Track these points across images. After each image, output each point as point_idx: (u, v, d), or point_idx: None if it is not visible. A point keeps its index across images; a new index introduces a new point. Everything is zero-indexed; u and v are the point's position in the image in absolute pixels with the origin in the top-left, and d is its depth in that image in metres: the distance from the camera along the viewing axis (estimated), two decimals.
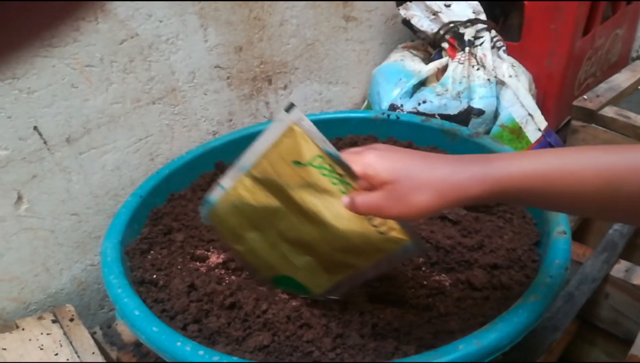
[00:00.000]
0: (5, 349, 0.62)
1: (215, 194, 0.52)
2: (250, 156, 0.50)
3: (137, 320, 0.45)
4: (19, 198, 0.62)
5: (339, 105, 1.03)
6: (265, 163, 0.48)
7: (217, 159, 0.77)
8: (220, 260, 0.59)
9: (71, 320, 0.67)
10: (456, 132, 0.74)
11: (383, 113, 0.81)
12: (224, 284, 0.54)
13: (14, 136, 0.59)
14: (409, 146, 0.76)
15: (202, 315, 0.51)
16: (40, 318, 0.67)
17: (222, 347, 0.47)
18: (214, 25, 0.74)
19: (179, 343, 0.42)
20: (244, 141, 0.80)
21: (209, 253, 0.61)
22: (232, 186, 0.50)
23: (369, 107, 0.99)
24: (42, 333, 0.64)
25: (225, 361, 0.40)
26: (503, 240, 0.56)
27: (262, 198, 0.49)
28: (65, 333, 0.65)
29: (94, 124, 0.66)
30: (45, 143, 0.62)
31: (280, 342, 0.47)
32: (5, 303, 0.66)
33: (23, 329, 0.65)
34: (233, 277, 0.56)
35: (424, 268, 0.55)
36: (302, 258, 0.50)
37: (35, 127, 0.61)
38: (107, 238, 0.56)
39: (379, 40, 1.06)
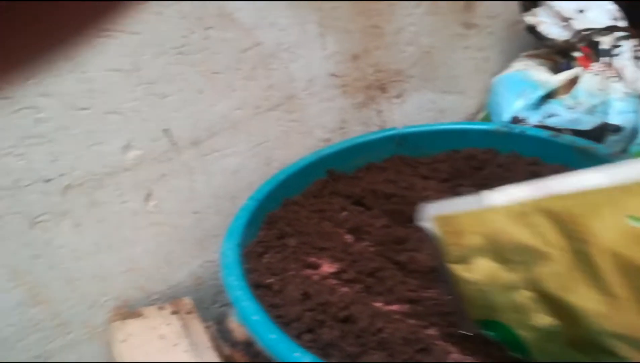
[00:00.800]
0: (130, 335, 0.66)
1: (466, 203, 0.43)
2: (558, 186, 0.38)
3: (256, 325, 0.45)
4: (149, 194, 0.66)
5: (453, 115, 0.99)
6: (575, 203, 0.36)
7: (329, 166, 0.77)
8: (332, 270, 0.58)
9: (189, 313, 0.70)
10: (591, 150, 0.67)
11: (505, 126, 0.76)
12: (336, 295, 0.53)
13: (147, 138, 0.63)
14: (535, 163, 0.71)
15: (316, 325, 0.50)
16: (160, 308, 0.71)
17: (336, 360, 0.46)
18: (332, 34, 0.75)
19: (297, 354, 0.41)
20: (355, 149, 0.80)
21: (321, 261, 0.60)
22: (502, 205, 0.40)
23: (486, 118, 0.94)
24: (162, 324, 0.68)
25: None
26: None
27: (537, 233, 0.37)
28: (183, 325, 0.68)
29: (218, 128, 0.69)
30: (173, 144, 0.66)
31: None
32: (131, 292, 0.70)
33: (146, 317, 0.70)
34: (346, 289, 0.55)
35: None
36: (545, 318, 0.38)
37: (165, 130, 0.65)
38: (228, 239, 0.58)
39: (499, 47, 1.00)
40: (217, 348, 0.68)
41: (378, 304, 0.53)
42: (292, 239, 0.64)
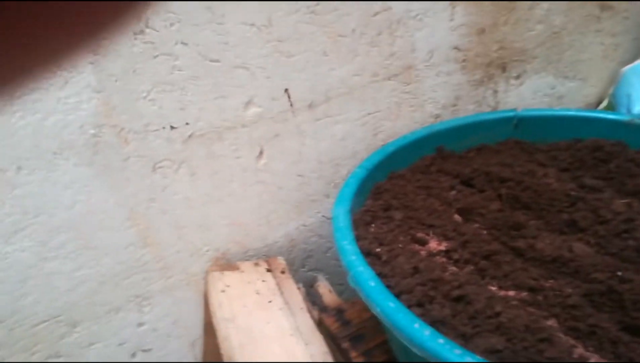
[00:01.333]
0: (228, 286, 0.69)
1: None
2: None
3: (372, 291, 0.45)
4: (261, 152, 0.67)
5: (570, 103, 0.92)
6: None
7: (438, 143, 0.74)
8: (442, 247, 0.57)
9: (282, 272, 0.72)
10: None
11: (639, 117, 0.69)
12: (448, 273, 0.52)
13: (268, 96, 0.64)
14: None
15: (425, 300, 0.49)
16: (256, 264, 0.73)
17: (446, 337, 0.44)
18: (463, 5, 0.71)
19: (416, 325, 0.41)
20: (468, 128, 0.76)
21: (429, 238, 0.59)
22: None
23: (608, 106, 0.86)
24: (259, 279, 0.69)
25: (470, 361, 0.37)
26: None
27: None
28: (277, 284, 0.69)
29: (334, 93, 0.68)
30: (291, 105, 0.66)
31: (516, 350, 0.42)
32: (230, 245, 0.73)
33: (243, 271, 0.72)
34: (455, 268, 0.54)
35: None
36: None
37: (286, 90, 0.65)
38: (339, 203, 0.58)
39: (633, 34, 0.91)
40: (309, 310, 0.69)
41: (492, 288, 0.50)
42: (398, 212, 0.63)
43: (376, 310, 0.44)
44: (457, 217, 0.63)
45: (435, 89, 0.76)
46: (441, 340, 0.39)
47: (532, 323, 0.44)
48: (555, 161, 0.71)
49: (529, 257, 0.54)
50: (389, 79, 0.71)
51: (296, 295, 0.67)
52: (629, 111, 0.79)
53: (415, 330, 0.40)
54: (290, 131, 0.68)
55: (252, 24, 0.59)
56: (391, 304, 0.43)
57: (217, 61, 0.59)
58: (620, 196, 0.62)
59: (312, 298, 0.73)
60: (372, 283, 0.45)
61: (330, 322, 0.65)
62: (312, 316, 0.69)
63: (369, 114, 0.73)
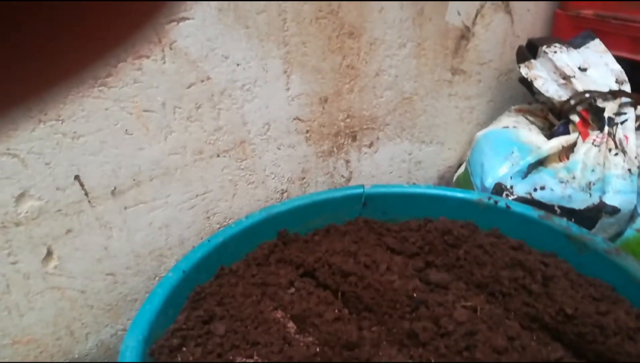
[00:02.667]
0: None
1: None
2: None
3: None
4: (49, 253, 0.53)
5: (430, 167, 0.89)
6: None
7: (280, 226, 0.65)
8: None
9: None
10: (587, 242, 0.57)
11: (489, 198, 0.65)
12: None
13: (51, 186, 0.51)
14: (520, 247, 0.60)
15: None
16: None
17: None
18: (299, 72, 0.63)
19: None
20: (314, 208, 0.68)
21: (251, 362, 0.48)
22: None
23: (466, 175, 0.83)
24: None
25: None
26: None
27: None
28: None
29: (146, 176, 0.56)
30: (86, 194, 0.53)
31: None
32: None
33: None
34: None
35: None
36: None
37: (76, 177, 0.52)
38: (131, 332, 0.45)
39: (487, 97, 0.90)
40: None
41: None
42: (221, 324, 0.52)
43: None
44: (290, 327, 0.53)
45: (277, 163, 0.68)
46: None
47: None
48: (405, 244, 0.64)
49: None
50: (218, 155, 0.61)
51: None
52: (482, 181, 0.76)
53: None
54: (88, 224, 0.55)
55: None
56: None
57: None
58: (467, 291, 0.57)
59: None
60: None
61: None
62: None
63: (197, 195, 0.62)
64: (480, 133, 0.83)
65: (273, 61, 0.61)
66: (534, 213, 0.62)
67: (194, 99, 0.56)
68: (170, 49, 0.52)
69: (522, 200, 0.69)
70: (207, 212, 0.64)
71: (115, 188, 0.55)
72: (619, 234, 0.69)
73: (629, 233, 0.69)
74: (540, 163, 0.72)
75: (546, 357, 0.47)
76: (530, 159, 0.71)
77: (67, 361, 0.60)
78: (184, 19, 0.52)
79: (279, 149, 0.67)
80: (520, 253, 0.60)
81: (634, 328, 0.48)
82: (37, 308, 0.55)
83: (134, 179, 0.56)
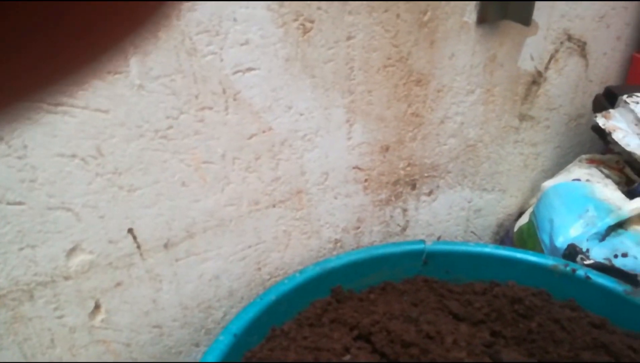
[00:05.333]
0: None
1: None
2: None
3: None
4: (97, 307, 0.51)
5: (489, 215, 0.83)
6: None
7: (334, 283, 0.61)
8: None
9: None
10: None
11: (566, 265, 0.60)
12: None
13: (103, 239, 0.48)
14: (602, 325, 0.54)
15: None
16: None
17: None
18: (362, 121, 0.60)
19: None
20: (370, 264, 0.64)
21: None
22: None
23: (530, 228, 0.77)
24: None
25: None
26: None
27: None
28: None
29: (199, 228, 0.54)
30: (138, 247, 0.51)
31: None
32: None
33: None
34: None
35: None
36: None
37: (130, 230, 0.49)
38: None
39: (554, 143, 0.85)
40: None
41: None
42: None
43: None
44: None
45: (332, 212, 0.64)
46: None
47: None
48: (470, 308, 0.59)
49: None
50: (273, 206, 0.58)
51: None
52: (551, 239, 0.70)
53: None
54: (138, 277, 0.52)
55: (73, 155, 0.43)
56: None
57: (19, 203, 0.43)
58: None
59: None
60: None
61: None
62: None
63: (250, 246, 0.59)
64: (548, 184, 0.77)
65: (336, 110, 0.57)
66: (619, 287, 0.56)
67: (254, 150, 0.53)
68: (234, 100, 0.49)
69: (599, 266, 0.63)
70: (259, 263, 0.61)
71: (168, 241, 0.52)
72: None
73: None
74: (621, 225, 0.65)
75: None
76: (610, 220, 0.65)
77: None
78: (250, 69, 0.49)
79: (336, 198, 0.63)
80: (603, 333, 0.54)
81: None
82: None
83: (187, 232, 0.53)
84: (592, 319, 0.55)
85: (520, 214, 0.87)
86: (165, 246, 0.52)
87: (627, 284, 0.57)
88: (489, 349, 0.53)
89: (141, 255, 0.51)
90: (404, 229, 0.74)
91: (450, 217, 0.78)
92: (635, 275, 0.61)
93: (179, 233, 0.53)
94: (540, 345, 0.54)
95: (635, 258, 0.62)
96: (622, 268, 0.62)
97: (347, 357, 0.54)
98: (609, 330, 0.54)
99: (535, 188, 0.86)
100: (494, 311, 0.59)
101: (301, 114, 0.55)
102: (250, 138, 0.52)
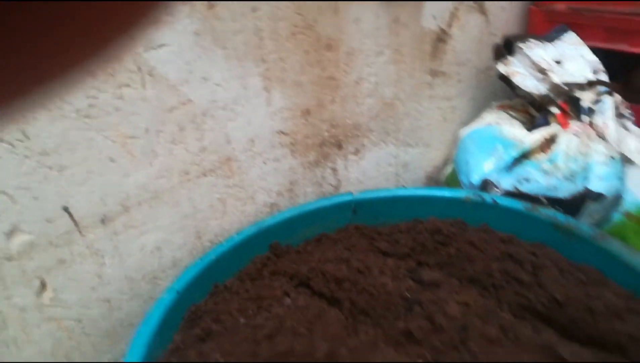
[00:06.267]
0: None
1: None
2: None
3: None
4: (43, 286, 0.54)
5: (417, 169, 0.90)
6: None
7: (272, 239, 0.66)
8: None
9: None
10: (573, 230, 0.58)
11: (476, 194, 0.66)
12: None
13: (40, 219, 0.51)
14: (509, 240, 0.61)
15: None
16: None
17: None
18: (279, 88, 0.64)
19: None
20: (304, 219, 0.69)
21: None
22: None
23: (453, 175, 0.84)
24: None
25: None
26: None
27: None
28: None
29: (134, 202, 0.57)
30: (76, 224, 0.54)
31: None
32: None
33: None
34: None
35: None
36: None
37: (65, 208, 0.52)
38: (129, 356, 0.46)
39: (468, 95, 0.92)
40: None
41: None
42: (218, 343, 0.52)
43: None
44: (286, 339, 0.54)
45: (264, 177, 0.68)
46: None
47: None
48: (397, 246, 0.65)
49: None
50: (204, 175, 0.62)
51: None
52: (468, 178, 0.77)
53: None
54: (80, 254, 0.55)
55: (0, 140, 0.46)
56: None
57: None
58: (460, 286, 0.58)
59: None
60: None
61: None
62: None
63: (187, 216, 0.63)
64: (464, 132, 0.84)
65: (252, 79, 0.62)
66: (520, 205, 0.63)
67: (176, 122, 0.57)
68: (150, 75, 0.53)
69: (508, 194, 0.70)
70: (198, 232, 0.65)
71: (104, 216, 0.56)
72: (606, 219, 0.70)
73: (616, 216, 0.70)
74: (524, 156, 0.73)
75: (539, 343, 0.47)
76: (514, 153, 0.72)
77: None
78: (162, 45, 0.53)
79: (265, 164, 0.68)
80: (509, 246, 0.60)
81: (622, 308, 0.49)
82: (34, 341, 0.55)
83: (122, 206, 0.57)
84: (501, 237, 0.62)
85: (446, 165, 0.94)
86: (103, 221, 0.56)
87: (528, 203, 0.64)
88: (411, 274, 0.59)
89: (80, 231, 0.54)
90: (336, 188, 0.79)
91: (379, 173, 0.84)
92: (538, 197, 0.69)
93: (114, 208, 0.56)
94: (458, 265, 0.60)
95: (537, 181, 0.69)
96: (527, 192, 0.69)
97: (287, 300, 0.59)
98: (515, 244, 0.60)
99: (456, 140, 0.93)
100: (418, 245, 0.65)
101: (218, 85, 0.59)
102: (171, 110, 0.56)
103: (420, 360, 0.49)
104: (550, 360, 0.46)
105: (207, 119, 0.60)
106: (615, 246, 0.55)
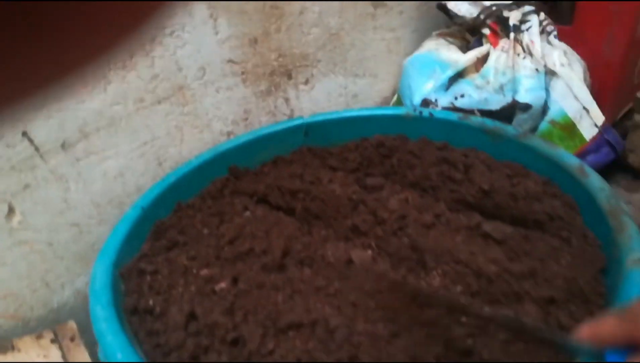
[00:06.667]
0: None
1: None
2: None
3: None
4: (11, 209, 0.57)
5: (366, 99, 0.95)
6: None
7: (230, 163, 0.70)
8: (228, 282, 0.52)
9: (72, 339, 0.62)
10: (500, 132, 0.64)
11: (415, 110, 0.72)
12: (228, 313, 0.47)
13: (0, 143, 0.54)
14: (444, 147, 0.67)
15: (200, 352, 0.44)
16: (39, 337, 0.62)
17: None
18: (225, 16, 0.67)
19: None
20: (259, 142, 0.73)
21: (216, 273, 0.54)
22: None
23: (399, 102, 0.90)
24: (38, 355, 0.59)
25: None
26: (560, 265, 0.46)
27: None
28: (63, 355, 0.59)
29: (92, 128, 0.60)
30: (36, 149, 0.56)
31: None
32: (0, 322, 0.61)
33: (19, 350, 0.60)
34: (241, 302, 0.49)
35: (462, 300, 0.46)
36: None
37: (24, 133, 0.55)
38: (99, 260, 0.50)
39: (411, 27, 0.96)
40: None
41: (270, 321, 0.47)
42: (185, 249, 0.57)
43: None
44: (247, 244, 0.59)
45: (218, 106, 0.72)
46: None
47: (303, 355, 0.41)
48: (346, 162, 0.71)
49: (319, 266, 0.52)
50: (159, 103, 0.65)
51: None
52: (411, 101, 0.83)
53: None
54: (44, 178, 0.58)
55: None
56: None
57: None
58: (401, 190, 0.64)
59: None
60: (120, 355, 0.39)
61: None
62: None
63: (146, 143, 0.66)
64: (406, 60, 0.89)
65: (197, 5, 0.64)
66: (453, 116, 0.69)
67: (126, 49, 0.59)
68: None
69: (446, 110, 0.76)
70: (159, 158, 0.68)
71: (64, 141, 0.58)
72: (534, 128, 0.77)
73: (543, 125, 0.77)
74: (460, 75, 0.79)
75: (467, 224, 0.54)
76: (450, 72, 0.78)
77: (47, 311, 0.64)
78: None
79: (218, 92, 0.71)
80: (445, 152, 0.67)
81: (540, 191, 0.56)
82: (8, 264, 0.59)
83: (81, 132, 0.59)
84: (438, 145, 0.68)
85: (394, 96, 0.99)
86: (63, 146, 0.58)
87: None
88: (358, 181, 0.65)
89: (41, 156, 0.57)
90: (290, 117, 0.83)
91: (330, 104, 0.89)
92: (472, 110, 0.75)
93: (73, 134, 0.59)
94: (400, 173, 0.66)
95: (470, 96, 0.75)
96: (462, 107, 0.75)
97: (247, 213, 0.64)
98: (449, 149, 0.67)
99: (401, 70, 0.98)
100: (365, 160, 0.70)
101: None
102: None
103: (367, 249, 0.55)
104: (476, 236, 0.53)
105: (155, 46, 0.62)
106: (535, 141, 0.61)
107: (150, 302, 0.49)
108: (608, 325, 0.29)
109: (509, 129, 0.64)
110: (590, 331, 0.29)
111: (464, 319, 0.42)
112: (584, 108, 0.77)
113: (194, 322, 0.46)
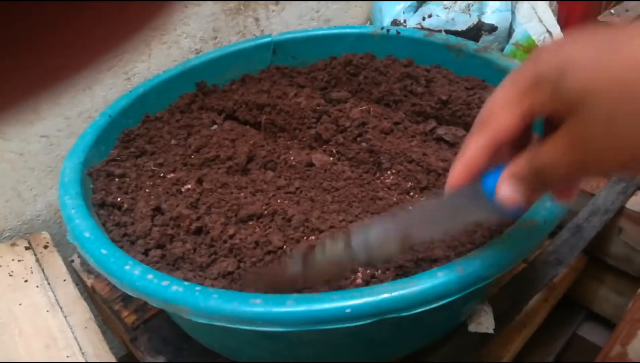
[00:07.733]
0: None
1: None
2: None
3: (86, 242, 0.41)
4: None
5: (339, 24, 0.95)
6: None
7: (198, 78, 0.70)
8: (193, 183, 0.54)
9: (45, 247, 0.64)
10: (462, 48, 0.66)
11: (382, 28, 0.73)
12: (192, 207, 0.50)
13: None
14: (409, 64, 0.69)
15: (166, 240, 0.47)
16: (13, 244, 0.64)
17: (184, 273, 0.43)
18: None
19: (127, 267, 0.38)
20: (227, 60, 0.74)
21: (182, 176, 0.56)
22: None
23: (371, 24, 0.90)
24: (13, 260, 0.61)
25: (176, 285, 0.36)
26: None
27: None
28: (37, 260, 0.62)
29: None
30: None
31: (245, 268, 0.43)
32: None
33: None
34: (205, 198, 0.52)
35: (412, 193, 0.49)
36: None
37: None
38: (68, 158, 0.52)
39: None
40: (79, 280, 0.63)
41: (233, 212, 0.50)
42: (153, 157, 0.59)
43: (90, 261, 0.40)
44: (213, 153, 0.61)
45: (186, 22, 0.72)
46: (150, 276, 0.37)
47: (261, 238, 0.44)
48: (314, 81, 0.72)
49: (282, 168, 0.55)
50: None
51: (60, 268, 0.61)
52: (382, 23, 0.83)
53: (126, 272, 0.38)
54: None
55: None
56: (104, 251, 0.40)
57: None
58: (367, 105, 0.66)
59: (87, 266, 0.67)
60: (87, 234, 0.41)
61: (101, 286, 0.60)
62: (84, 286, 0.63)
63: (114, 57, 0.66)
64: None
65: None
66: (419, 33, 0.70)
67: None
68: None
69: (415, 29, 0.77)
70: (127, 73, 0.69)
71: None
72: (501, 50, 0.79)
73: (508, 48, 0.79)
74: None
75: (423, 130, 0.57)
76: None
77: (20, 222, 0.66)
78: None
79: (186, 7, 0.71)
80: (409, 68, 0.68)
81: None
82: None
83: None
84: (403, 62, 0.69)
85: (367, 22, 0.99)
86: None
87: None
88: (323, 96, 0.67)
89: None
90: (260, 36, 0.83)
91: (302, 27, 0.89)
92: (440, 30, 0.76)
93: None
94: (366, 90, 0.68)
95: (438, 16, 0.76)
96: (429, 27, 0.76)
97: (215, 127, 0.66)
98: (414, 66, 0.68)
99: None
100: (333, 78, 0.72)
101: None
102: None
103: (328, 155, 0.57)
104: (430, 140, 0.56)
105: None
106: (494, 55, 0.63)
107: (119, 199, 0.51)
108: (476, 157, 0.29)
109: (470, 45, 0.66)
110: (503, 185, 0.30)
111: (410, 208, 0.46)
112: (548, 31, 0.78)
113: (159, 216, 0.49)
